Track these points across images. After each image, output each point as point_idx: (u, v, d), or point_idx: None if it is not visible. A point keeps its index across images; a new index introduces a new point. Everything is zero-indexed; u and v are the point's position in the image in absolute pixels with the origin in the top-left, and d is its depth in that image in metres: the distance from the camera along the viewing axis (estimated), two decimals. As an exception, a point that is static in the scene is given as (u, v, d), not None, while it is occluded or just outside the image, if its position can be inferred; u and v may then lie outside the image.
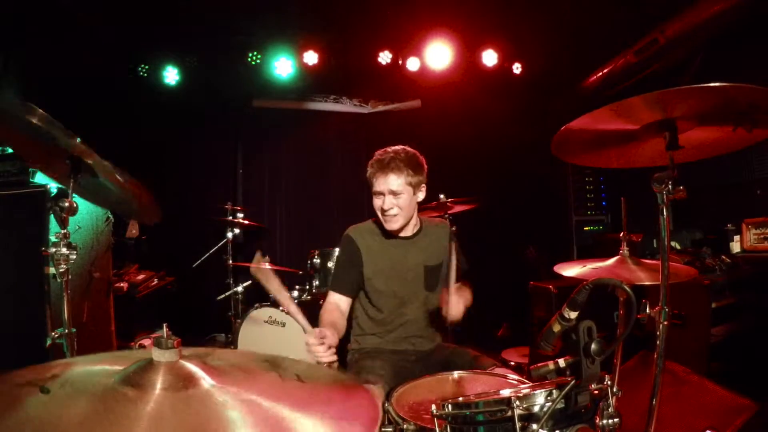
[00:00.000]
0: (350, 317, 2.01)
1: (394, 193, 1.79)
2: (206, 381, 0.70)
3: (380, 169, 1.80)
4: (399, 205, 1.80)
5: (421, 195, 1.89)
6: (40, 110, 1.24)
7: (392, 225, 1.84)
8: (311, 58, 4.33)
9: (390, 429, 1.25)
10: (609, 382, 0.99)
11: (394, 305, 1.91)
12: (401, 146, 1.87)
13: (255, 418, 0.65)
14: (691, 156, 1.34)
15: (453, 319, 1.68)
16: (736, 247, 2.91)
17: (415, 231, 1.96)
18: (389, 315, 1.91)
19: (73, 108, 3.66)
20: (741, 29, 3.03)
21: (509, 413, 0.97)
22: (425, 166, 1.89)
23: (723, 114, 1.16)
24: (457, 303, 1.67)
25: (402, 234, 1.93)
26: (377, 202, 1.85)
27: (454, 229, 1.81)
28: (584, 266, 1.63)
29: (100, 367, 0.76)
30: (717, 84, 1.03)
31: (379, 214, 1.86)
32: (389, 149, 1.85)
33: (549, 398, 0.97)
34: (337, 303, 1.90)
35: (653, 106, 1.15)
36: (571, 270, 1.63)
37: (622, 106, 1.14)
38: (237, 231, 4.03)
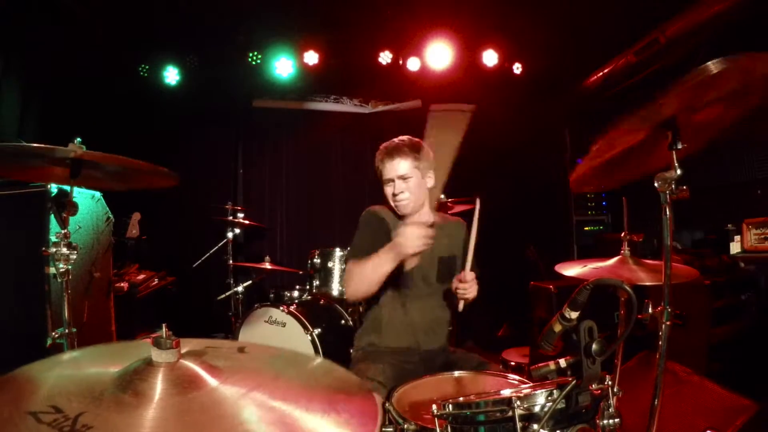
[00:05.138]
0: (357, 314, 2.00)
1: (402, 178, 1.85)
2: (209, 381, 0.70)
3: (387, 155, 1.87)
4: (408, 189, 1.85)
5: (431, 181, 1.93)
6: (32, 145, 1.24)
7: (404, 209, 1.88)
8: (311, 58, 4.33)
9: (391, 429, 1.25)
10: (610, 382, 0.99)
11: (402, 296, 1.90)
12: (406, 136, 1.92)
13: (266, 416, 0.65)
14: (700, 141, 1.33)
15: (468, 299, 1.72)
16: (736, 247, 2.90)
17: (430, 222, 1.93)
18: (396, 307, 1.91)
19: (73, 108, 3.67)
20: (742, 29, 3.03)
21: (510, 413, 0.97)
22: (431, 154, 1.92)
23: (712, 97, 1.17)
24: (472, 281, 1.71)
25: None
26: (388, 189, 1.89)
27: (478, 207, 1.80)
28: (585, 266, 1.63)
29: (98, 370, 0.74)
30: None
31: (390, 202, 1.90)
32: (394, 139, 1.91)
33: (550, 398, 0.97)
34: None
35: (647, 116, 1.16)
36: (571, 270, 1.63)
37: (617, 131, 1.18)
38: (237, 231, 4.04)
